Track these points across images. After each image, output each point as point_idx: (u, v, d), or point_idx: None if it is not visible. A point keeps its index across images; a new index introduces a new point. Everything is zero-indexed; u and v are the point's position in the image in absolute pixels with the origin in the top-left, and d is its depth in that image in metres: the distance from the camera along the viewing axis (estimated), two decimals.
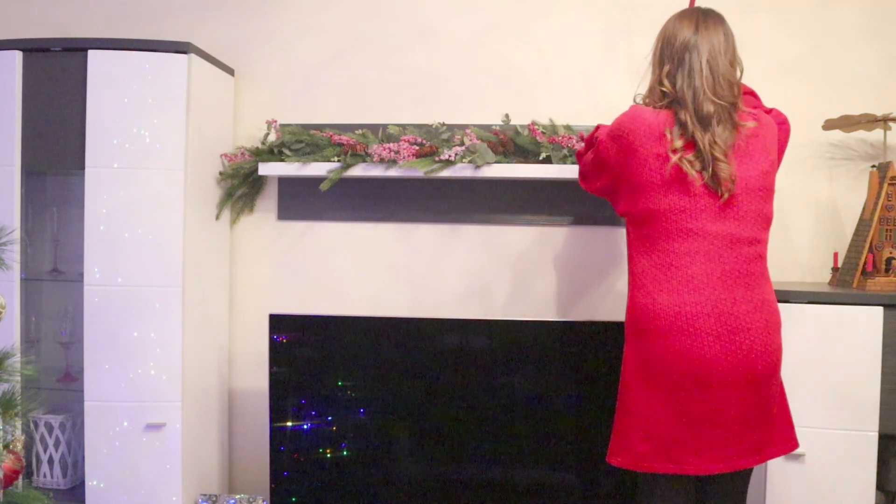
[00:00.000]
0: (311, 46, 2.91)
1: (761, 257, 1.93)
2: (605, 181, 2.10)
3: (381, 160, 2.65)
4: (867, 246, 2.48)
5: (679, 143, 1.89)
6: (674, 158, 1.87)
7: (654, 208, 1.90)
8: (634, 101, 2.10)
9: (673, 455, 1.87)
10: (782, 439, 1.99)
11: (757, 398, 1.87)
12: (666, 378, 1.86)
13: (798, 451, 2.11)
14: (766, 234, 1.96)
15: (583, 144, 2.35)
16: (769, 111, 2.13)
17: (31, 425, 2.56)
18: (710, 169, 1.87)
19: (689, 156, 1.88)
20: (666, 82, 1.96)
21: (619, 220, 2.80)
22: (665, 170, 1.88)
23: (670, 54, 1.97)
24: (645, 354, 1.89)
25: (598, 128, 2.15)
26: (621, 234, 2.75)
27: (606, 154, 2.03)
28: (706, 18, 2.00)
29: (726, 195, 1.87)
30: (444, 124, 2.74)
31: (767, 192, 1.96)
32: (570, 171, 2.62)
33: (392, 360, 2.58)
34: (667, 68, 1.97)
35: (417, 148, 2.66)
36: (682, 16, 2.02)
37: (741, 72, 2.00)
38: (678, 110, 1.92)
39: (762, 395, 1.88)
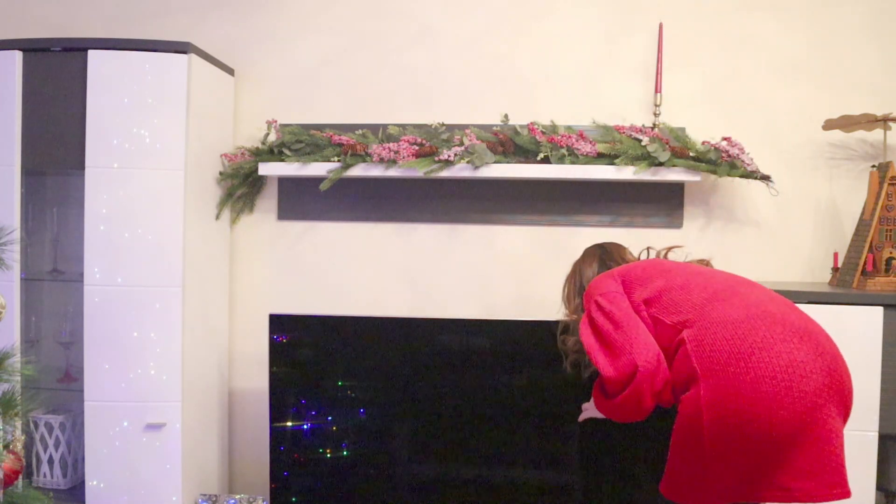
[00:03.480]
0: (311, 46, 2.91)
1: None
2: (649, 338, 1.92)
3: (381, 160, 2.65)
4: (867, 246, 2.48)
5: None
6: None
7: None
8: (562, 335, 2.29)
9: (782, 482, 1.71)
10: None
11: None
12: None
13: None
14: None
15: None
16: None
17: (31, 425, 2.56)
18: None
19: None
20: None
21: (618, 220, 2.80)
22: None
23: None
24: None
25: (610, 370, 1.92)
26: (620, 234, 2.75)
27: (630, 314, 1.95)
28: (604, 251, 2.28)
29: None
30: (443, 124, 2.74)
31: None
32: (569, 171, 2.62)
33: (392, 360, 2.58)
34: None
35: (417, 148, 2.66)
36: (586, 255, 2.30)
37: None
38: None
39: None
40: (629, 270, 2.04)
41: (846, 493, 1.70)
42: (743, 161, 2.57)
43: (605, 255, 2.26)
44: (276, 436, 2.57)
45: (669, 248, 2.31)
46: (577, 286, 2.24)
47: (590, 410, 2.15)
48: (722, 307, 1.80)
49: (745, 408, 1.67)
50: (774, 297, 1.86)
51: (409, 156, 2.64)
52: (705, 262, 2.22)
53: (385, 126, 2.77)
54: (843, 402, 1.74)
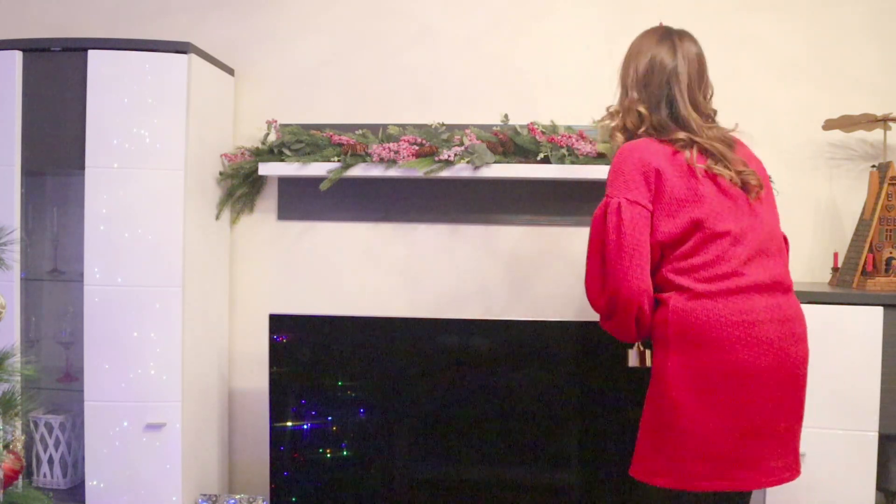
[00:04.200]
0: (311, 46, 2.91)
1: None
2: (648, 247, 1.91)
3: (381, 160, 2.65)
4: (867, 246, 2.48)
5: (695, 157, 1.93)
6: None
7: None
8: (594, 123, 2.22)
9: (727, 472, 1.82)
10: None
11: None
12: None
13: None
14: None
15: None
16: None
17: (31, 425, 2.56)
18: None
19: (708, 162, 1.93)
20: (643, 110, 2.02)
21: None
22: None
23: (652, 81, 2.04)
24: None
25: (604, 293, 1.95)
26: None
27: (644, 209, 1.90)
28: (682, 39, 2.08)
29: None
30: (443, 124, 2.74)
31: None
32: (569, 171, 2.62)
33: (392, 360, 2.58)
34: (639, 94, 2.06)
35: (417, 148, 2.66)
36: (659, 38, 2.08)
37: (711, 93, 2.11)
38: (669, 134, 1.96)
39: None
40: (669, 180, 1.88)
41: (788, 477, 1.87)
42: None
43: (673, 45, 2.05)
44: (276, 436, 2.57)
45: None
46: (635, 74, 2.07)
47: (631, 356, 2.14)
48: (718, 300, 1.82)
49: (707, 395, 1.80)
50: (776, 280, 1.88)
51: (409, 156, 2.64)
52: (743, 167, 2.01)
53: (385, 126, 2.77)
54: (797, 400, 1.88)
